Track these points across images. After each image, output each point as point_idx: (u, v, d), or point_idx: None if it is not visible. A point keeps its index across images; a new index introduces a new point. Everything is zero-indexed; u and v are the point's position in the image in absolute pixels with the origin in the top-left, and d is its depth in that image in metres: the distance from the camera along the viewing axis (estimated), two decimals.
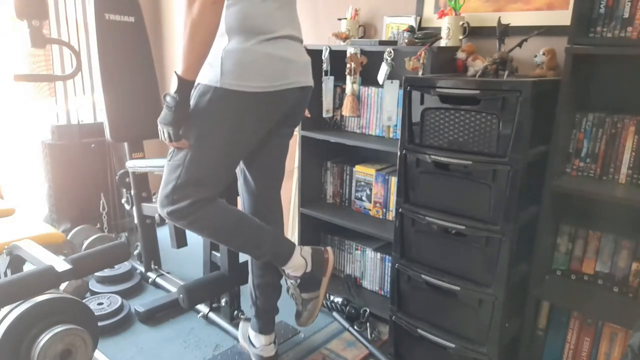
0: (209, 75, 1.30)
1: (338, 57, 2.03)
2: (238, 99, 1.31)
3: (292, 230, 2.48)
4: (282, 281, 1.63)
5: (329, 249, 1.61)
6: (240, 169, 1.58)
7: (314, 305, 1.60)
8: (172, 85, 1.26)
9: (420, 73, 1.71)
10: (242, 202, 1.64)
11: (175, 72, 1.25)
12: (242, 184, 1.60)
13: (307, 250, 1.57)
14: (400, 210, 1.63)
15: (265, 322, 1.68)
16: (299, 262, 1.54)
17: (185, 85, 1.26)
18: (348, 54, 1.96)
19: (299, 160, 2.20)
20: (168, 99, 1.27)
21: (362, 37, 2.14)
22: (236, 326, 1.87)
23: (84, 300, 1.57)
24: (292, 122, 1.55)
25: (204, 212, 1.38)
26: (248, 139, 1.41)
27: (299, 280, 1.56)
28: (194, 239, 2.21)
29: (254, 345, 1.70)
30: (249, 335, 1.72)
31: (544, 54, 1.58)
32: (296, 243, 2.28)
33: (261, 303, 1.65)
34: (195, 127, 1.33)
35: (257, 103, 1.34)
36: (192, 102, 1.32)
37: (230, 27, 1.30)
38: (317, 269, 1.57)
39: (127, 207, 2.38)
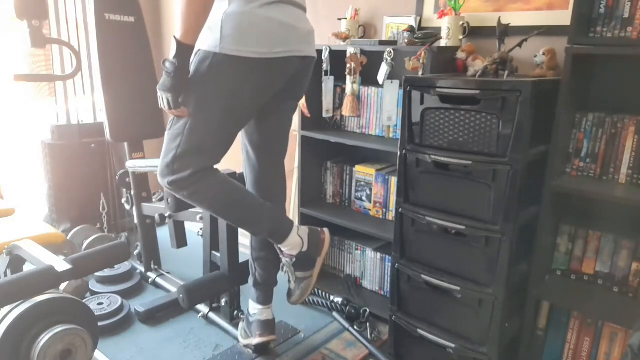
0: (208, 40, 1.27)
1: (338, 57, 2.03)
2: (237, 65, 1.28)
3: None
4: None
5: (325, 230, 1.62)
6: (242, 144, 1.57)
7: (307, 284, 1.61)
8: (171, 51, 1.23)
9: (420, 73, 1.71)
10: (245, 178, 1.64)
11: (174, 36, 1.22)
12: (244, 159, 1.60)
13: (304, 229, 1.58)
14: (400, 210, 1.63)
15: (264, 294, 1.70)
16: (295, 241, 1.54)
17: (184, 49, 1.23)
18: (348, 54, 1.96)
19: (299, 160, 2.20)
20: (167, 64, 1.25)
21: (362, 37, 2.14)
22: (236, 326, 1.87)
23: (84, 300, 1.57)
24: (294, 94, 1.52)
25: (204, 184, 1.37)
26: (248, 107, 1.38)
27: (294, 259, 1.56)
28: (194, 239, 2.21)
29: (251, 314, 1.71)
30: (248, 308, 1.74)
31: (544, 54, 1.58)
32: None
33: (260, 276, 1.68)
34: (194, 95, 1.31)
35: (256, 70, 1.31)
36: (191, 68, 1.30)
37: None
38: (313, 249, 1.58)
39: (127, 207, 2.38)
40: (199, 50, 1.29)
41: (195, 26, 1.21)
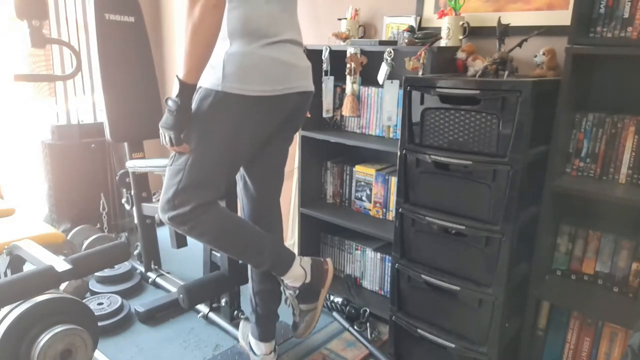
0: (210, 78, 1.29)
1: (338, 57, 2.03)
2: (239, 103, 1.30)
3: (292, 230, 2.48)
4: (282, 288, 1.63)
5: (328, 260, 1.61)
6: (240, 175, 1.58)
7: (312, 316, 1.60)
8: (174, 89, 1.26)
9: (420, 73, 1.71)
10: (241, 208, 1.63)
11: (177, 75, 1.25)
12: (241, 189, 1.60)
13: (307, 260, 1.57)
14: (400, 210, 1.63)
15: (266, 329, 1.67)
16: (298, 272, 1.53)
17: (187, 88, 1.26)
18: (348, 54, 1.96)
19: (299, 160, 2.20)
20: (170, 102, 1.26)
21: (362, 37, 2.14)
22: (236, 326, 1.87)
23: (84, 300, 1.57)
24: (293, 127, 1.54)
25: (205, 218, 1.37)
26: (249, 143, 1.40)
27: (297, 291, 1.55)
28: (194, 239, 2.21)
29: (254, 353, 1.69)
30: (249, 342, 1.72)
31: (544, 54, 1.58)
32: (296, 241, 2.30)
33: (261, 310, 1.65)
34: (196, 131, 1.32)
35: (258, 107, 1.33)
36: (193, 105, 1.31)
37: (233, 31, 1.29)
38: (316, 280, 1.56)
39: (127, 207, 2.38)
40: (200, 87, 1.31)
41: (198, 66, 1.24)
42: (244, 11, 1.29)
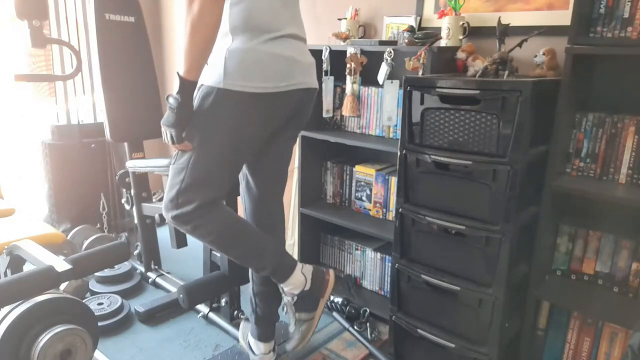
0: (212, 76, 1.28)
1: (338, 57, 2.03)
2: (241, 100, 1.29)
3: (292, 230, 2.48)
4: None
5: (331, 271, 1.60)
6: (242, 174, 1.57)
7: (308, 327, 1.57)
8: (175, 86, 1.26)
9: (420, 73, 1.71)
10: (243, 208, 1.62)
11: (177, 72, 1.24)
12: (244, 188, 1.58)
13: (309, 268, 1.55)
14: (400, 210, 1.63)
15: (265, 330, 1.66)
16: (299, 279, 1.52)
17: (188, 85, 1.25)
18: (348, 54, 1.96)
19: (299, 160, 2.20)
20: (171, 100, 1.26)
21: (362, 37, 2.14)
22: (236, 326, 1.87)
23: (84, 300, 1.57)
24: (296, 125, 1.52)
25: (208, 218, 1.37)
26: (251, 141, 1.39)
27: (295, 298, 1.53)
28: (194, 239, 2.21)
29: (253, 352, 1.69)
30: (249, 341, 1.72)
31: (544, 54, 1.58)
32: (296, 241, 2.30)
33: (261, 310, 1.64)
34: (198, 129, 1.31)
35: (260, 104, 1.32)
36: (195, 103, 1.30)
37: (234, 26, 1.28)
38: (316, 289, 1.55)
39: (127, 207, 2.38)
40: (202, 85, 1.30)
41: (198, 63, 1.23)
42: (246, 6, 1.27)
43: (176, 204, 1.35)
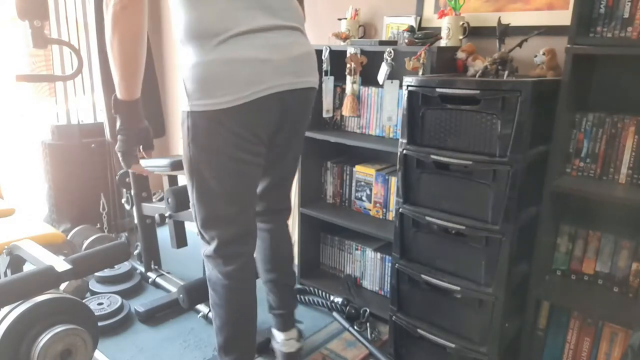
0: (183, 100, 1.19)
1: (338, 57, 2.03)
2: (208, 120, 1.16)
3: (292, 230, 2.48)
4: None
5: None
6: None
7: None
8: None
9: (420, 73, 1.71)
10: None
11: (114, 95, 1.19)
12: None
13: None
14: (400, 210, 1.63)
15: (281, 319, 1.64)
16: None
17: (123, 106, 1.20)
18: (348, 54, 1.96)
19: (299, 160, 2.20)
20: (118, 123, 1.21)
21: (362, 37, 2.14)
22: None
23: (84, 300, 1.57)
24: (290, 133, 1.33)
25: (235, 267, 1.30)
26: (243, 163, 1.23)
27: None
28: (194, 239, 2.21)
29: (276, 340, 1.67)
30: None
31: (544, 54, 1.58)
32: (296, 241, 2.29)
33: (272, 300, 1.63)
34: (186, 161, 1.23)
35: (229, 120, 1.15)
36: (181, 133, 1.24)
37: (182, 39, 1.16)
38: None
39: (127, 207, 2.38)
40: (181, 111, 1.22)
41: (127, 78, 1.15)
42: (186, 13, 1.14)
43: (204, 240, 1.33)
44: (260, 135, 1.23)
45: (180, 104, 1.23)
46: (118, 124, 1.21)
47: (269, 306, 1.65)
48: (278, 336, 1.66)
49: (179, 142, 3.21)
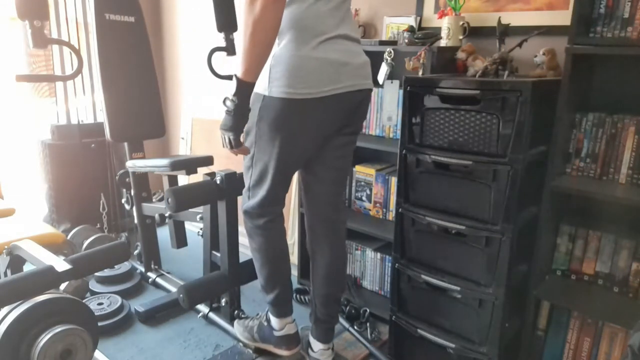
0: (260, 83, 1.28)
1: None
2: (287, 107, 1.29)
3: (292, 230, 2.48)
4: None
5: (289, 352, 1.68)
6: (302, 181, 1.60)
7: None
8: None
9: (420, 73, 1.71)
10: (305, 217, 1.65)
11: (235, 75, 1.22)
12: (303, 195, 1.61)
13: (290, 335, 1.67)
14: (400, 210, 1.63)
15: (322, 332, 1.67)
16: (279, 325, 1.66)
17: (245, 87, 1.23)
18: None
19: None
20: (227, 103, 1.24)
21: (362, 37, 2.14)
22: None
23: (84, 300, 1.57)
24: (352, 129, 1.49)
25: (270, 226, 1.53)
26: (302, 147, 1.41)
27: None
28: (194, 239, 2.21)
29: (313, 349, 1.69)
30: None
31: (544, 54, 1.58)
32: (296, 241, 2.29)
33: (320, 313, 1.66)
34: (252, 135, 1.38)
35: (307, 110, 1.31)
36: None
37: (281, 31, 1.25)
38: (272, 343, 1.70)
39: (127, 207, 2.38)
40: (254, 93, 1.30)
41: (256, 65, 1.21)
42: (292, 10, 1.26)
43: (247, 197, 1.51)
44: (328, 125, 1.41)
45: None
46: (231, 106, 1.24)
47: (313, 317, 1.67)
48: (317, 346, 1.68)
49: (179, 142, 3.21)
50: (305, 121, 1.35)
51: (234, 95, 1.23)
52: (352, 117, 1.45)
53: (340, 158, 1.53)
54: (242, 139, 1.34)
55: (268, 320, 1.70)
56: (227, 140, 1.31)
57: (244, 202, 1.53)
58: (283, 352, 1.68)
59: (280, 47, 1.28)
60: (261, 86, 1.30)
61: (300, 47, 1.27)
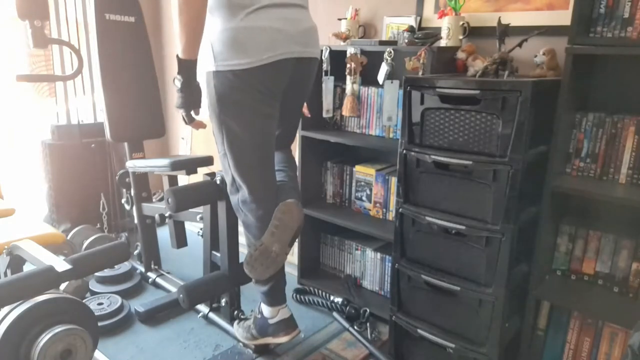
0: (208, 62, 1.36)
1: (338, 57, 2.03)
2: (232, 78, 1.35)
3: None
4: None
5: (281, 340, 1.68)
6: None
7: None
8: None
9: (420, 73, 1.71)
10: None
11: (176, 54, 1.31)
12: None
13: (281, 320, 1.67)
14: (400, 210, 1.63)
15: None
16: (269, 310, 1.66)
17: (185, 64, 1.32)
18: (348, 54, 1.96)
19: (299, 160, 2.20)
20: (175, 82, 1.34)
21: (362, 37, 2.14)
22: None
23: (84, 300, 1.57)
24: (297, 96, 1.56)
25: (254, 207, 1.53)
26: (262, 115, 1.44)
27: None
28: (194, 239, 2.21)
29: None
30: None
31: (544, 54, 1.58)
32: (296, 241, 2.29)
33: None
34: (214, 117, 1.41)
35: (250, 78, 1.36)
36: (205, 92, 1.40)
37: (212, 5, 1.33)
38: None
39: (127, 207, 2.38)
40: (206, 72, 1.38)
41: (191, 43, 1.30)
42: None
43: (233, 189, 1.53)
44: (276, 92, 1.44)
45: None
46: (178, 84, 1.34)
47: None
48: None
49: (179, 142, 3.21)
50: (254, 89, 1.38)
51: (178, 73, 1.33)
52: (295, 86, 1.48)
53: (293, 113, 1.64)
54: (193, 115, 1.42)
55: (261, 312, 1.71)
56: (184, 117, 1.41)
57: (233, 197, 1.55)
58: (282, 339, 1.68)
59: (216, 22, 1.35)
60: (209, 64, 1.37)
61: (230, 20, 1.33)
